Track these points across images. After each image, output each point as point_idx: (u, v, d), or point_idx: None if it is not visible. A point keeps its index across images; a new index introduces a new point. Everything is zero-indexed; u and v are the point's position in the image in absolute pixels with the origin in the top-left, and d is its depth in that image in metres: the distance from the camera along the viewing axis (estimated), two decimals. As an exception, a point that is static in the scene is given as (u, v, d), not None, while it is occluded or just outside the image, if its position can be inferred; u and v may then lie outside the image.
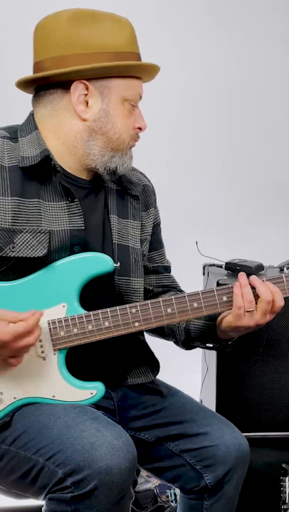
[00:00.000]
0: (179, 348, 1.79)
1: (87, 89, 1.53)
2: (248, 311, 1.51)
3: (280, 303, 1.52)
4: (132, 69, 1.55)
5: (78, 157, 1.58)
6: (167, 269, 1.84)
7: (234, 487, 1.61)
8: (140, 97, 1.60)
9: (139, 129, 1.61)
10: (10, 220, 1.49)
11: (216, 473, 1.58)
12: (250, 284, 1.52)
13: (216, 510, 1.61)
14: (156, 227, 1.80)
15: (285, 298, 1.55)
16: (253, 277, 1.53)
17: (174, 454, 1.63)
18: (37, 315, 1.41)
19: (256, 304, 1.51)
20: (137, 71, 1.57)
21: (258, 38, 3.05)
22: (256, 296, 1.51)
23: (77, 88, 1.52)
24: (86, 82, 1.52)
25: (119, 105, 1.55)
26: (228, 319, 1.56)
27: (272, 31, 3.05)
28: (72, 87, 1.52)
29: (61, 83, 1.53)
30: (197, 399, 2.59)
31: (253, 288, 1.52)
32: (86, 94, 1.53)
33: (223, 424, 1.65)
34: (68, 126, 1.56)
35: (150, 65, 1.58)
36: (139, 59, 1.57)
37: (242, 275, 1.54)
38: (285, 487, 2.11)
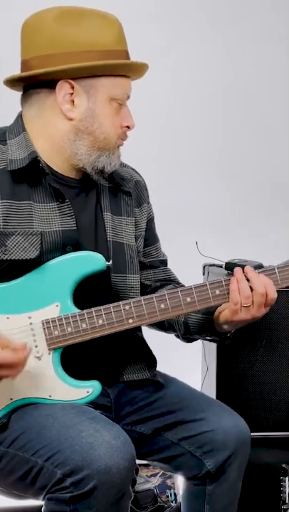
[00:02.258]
0: (178, 347, 1.80)
1: (72, 88, 1.52)
2: (244, 306, 1.51)
3: (273, 295, 1.52)
4: (119, 68, 1.54)
5: (66, 157, 1.57)
6: (164, 262, 1.84)
7: (236, 472, 1.61)
8: (128, 96, 1.59)
9: (127, 127, 1.59)
10: (1, 223, 1.49)
11: (217, 459, 1.57)
12: (245, 276, 1.52)
13: (218, 495, 1.61)
14: (150, 222, 1.80)
15: (280, 291, 1.55)
16: (248, 269, 1.53)
17: (173, 443, 1.62)
18: (27, 351, 1.40)
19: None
20: (125, 70, 1.56)
21: (252, 38, 3.04)
22: (251, 289, 1.51)
23: (63, 87, 1.52)
24: (72, 82, 1.51)
25: (106, 104, 1.54)
26: (224, 314, 1.56)
27: (267, 31, 3.04)
28: (58, 87, 1.52)
29: (47, 82, 1.52)
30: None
31: (248, 280, 1.52)
32: (72, 94, 1.52)
33: (221, 408, 1.64)
34: (55, 126, 1.55)
35: (138, 63, 1.57)
36: (127, 56, 1.56)
37: (238, 270, 1.53)
38: (285, 487, 2.11)
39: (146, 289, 1.76)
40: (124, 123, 1.58)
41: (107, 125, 1.55)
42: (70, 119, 1.54)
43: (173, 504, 2.25)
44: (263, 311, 1.53)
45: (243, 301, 1.51)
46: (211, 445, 1.58)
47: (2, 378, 1.40)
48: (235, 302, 1.51)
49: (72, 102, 1.53)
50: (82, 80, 1.52)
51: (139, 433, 1.64)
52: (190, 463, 1.61)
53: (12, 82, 1.57)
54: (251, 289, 1.51)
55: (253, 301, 1.51)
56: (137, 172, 1.81)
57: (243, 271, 1.53)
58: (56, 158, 1.57)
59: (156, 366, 1.75)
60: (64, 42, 1.49)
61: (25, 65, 1.55)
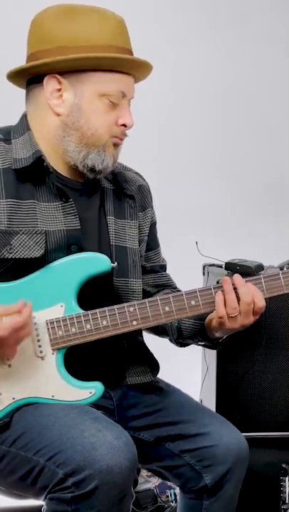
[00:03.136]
0: (178, 348, 1.80)
1: (60, 83, 1.51)
2: (231, 317, 1.52)
3: (260, 304, 1.52)
4: (107, 62, 1.50)
5: (60, 155, 1.56)
6: (163, 267, 1.84)
7: (233, 487, 1.61)
8: (124, 94, 1.54)
9: (124, 126, 1.56)
10: (6, 222, 1.49)
11: (215, 474, 1.57)
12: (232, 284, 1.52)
13: (215, 510, 1.61)
14: (153, 226, 1.80)
15: (283, 294, 1.55)
16: (236, 277, 1.53)
17: (174, 454, 1.62)
18: (29, 305, 1.41)
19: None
20: (116, 64, 1.52)
21: (252, 38, 3.05)
22: (238, 297, 1.51)
23: (49, 82, 1.51)
24: (58, 76, 1.50)
25: (95, 100, 1.51)
26: (213, 322, 1.57)
27: (267, 31, 3.05)
28: (44, 81, 1.51)
29: (39, 77, 1.52)
30: (197, 399, 2.59)
31: (235, 288, 1.52)
32: (60, 89, 1.52)
33: (223, 424, 1.64)
34: (47, 122, 1.55)
35: (125, 58, 1.52)
36: (124, 52, 1.52)
37: (227, 281, 1.53)
38: (285, 487, 2.11)
39: (144, 295, 1.75)
40: (120, 121, 1.55)
41: (95, 121, 1.53)
42: (58, 115, 1.53)
43: (173, 504, 2.25)
44: (251, 319, 1.54)
45: (229, 312, 1.51)
46: (211, 460, 1.58)
47: (20, 341, 1.42)
48: (220, 315, 1.52)
49: (61, 96, 1.52)
50: (70, 75, 1.51)
51: (140, 439, 1.63)
52: (189, 475, 1.61)
53: (15, 80, 1.58)
54: (238, 298, 1.51)
55: (239, 311, 1.52)
56: (140, 176, 1.80)
57: (232, 278, 1.53)
58: (54, 157, 1.56)
59: (158, 370, 1.75)
60: (54, 37, 1.49)
61: (26, 61, 1.55)
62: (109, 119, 1.54)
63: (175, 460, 1.62)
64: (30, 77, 1.56)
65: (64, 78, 1.51)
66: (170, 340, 1.77)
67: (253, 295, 1.52)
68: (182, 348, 1.81)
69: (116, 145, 1.58)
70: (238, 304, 1.51)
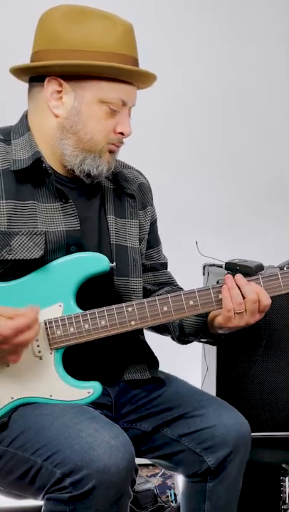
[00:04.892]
0: (178, 347, 1.80)
1: (60, 85, 1.51)
2: (237, 313, 1.52)
3: (266, 302, 1.53)
4: (111, 71, 1.50)
5: (58, 157, 1.56)
6: (164, 265, 1.85)
7: (237, 468, 1.60)
8: (124, 103, 1.54)
9: (122, 134, 1.56)
10: (6, 223, 1.49)
11: (217, 455, 1.57)
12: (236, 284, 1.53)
13: (219, 492, 1.60)
14: (153, 224, 1.81)
15: (282, 295, 1.55)
16: (238, 277, 1.54)
17: (173, 440, 1.62)
18: (36, 309, 1.41)
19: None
20: (120, 74, 1.51)
21: (252, 38, 3.05)
22: (243, 297, 1.52)
23: (50, 84, 1.51)
24: (59, 79, 1.51)
25: (94, 106, 1.51)
26: (218, 319, 1.57)
27: (268, 31, 3.05)
28: (46, 82, 1.52)
29: (41, 77, 1.52)
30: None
31: (239, 288, 1.53)
32: (60, 91, 1.52)
33: (221, 405, 1.64)
34: (46, 122, 1.55)
35: (130, 69, 1.51)
36: (131, 61, 1.52)
37: (228, 277, 1.54)
38: (285, 487, 2.11)
39: (145, 293, 1.76)
40: (118, 129, 1.55)
41: (92, 127, 1.53)
42: (57, 116, 1.53)
43: (173, 504, 2.25)
44: (257, 318, 1.54)
45: (236, 308, 1.52)
46: (211, 441, 1.57)
47: (25, 345, 1.41)
48: (228, 309, 1.52)
49: (61, 99, 1.52)
50: (71, 79, 1.51)
51: (139, 430, 1.64)
52: (190, 459, 1.61)
53: (18, 74, 1.58)
54: (243, 296, 1.52)
55: (245, 309, 1.52)
56: (141, 174, 1.80)
57: (234, 278, 1.54)
58: (52, 158, 1.57)
59: (158, 367, 1.75)
60: (60, 39, 1.49)
61: (31, 58, 1.55)
62: (108, 126, 1.54)
63: (175, 446, 1.62)
64: (32, 75, 1.56)
65: (65, 81, 1.51)
66: (172, 338, 1.77)
67: (258, 293, 1.52)
68: (182, 348, 1.81)
69: (112, 152, 1.58)
70: (244, 302, 1.52)
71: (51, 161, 1.57)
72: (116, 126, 1.55)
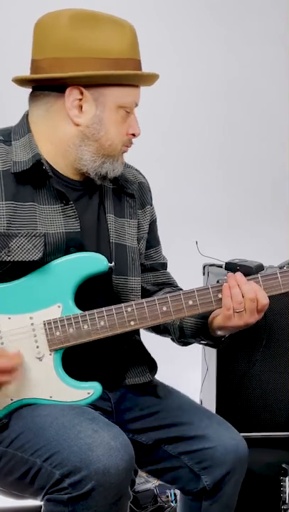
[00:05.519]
0: (178, 348, 1.79)
1: (81, 94, 1.51)
2: (237, 312, 1.52)
3: (264, 301, 1.52)
4: (130, 78, 1.52)
5: (70, 161, 1.56)
6: (164, 265, 1.84)
7: (232, 488, 1.61)
8: (136, 104, 1.58)
9: (133, 135, 1.58)
10: (5, 225, 1.49)
11: (214, 475, 1.57)
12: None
13: (214, 511, 1.60)
14: (153, 224, 1.80)
15: (281, 294, 1.55)
16: (238, 275, 1.54)
17: (172, 456, 1.62)
18: (20, 357, 1.45)
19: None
20: (135, 79, 1.54)
21: (254, 37, 3.05)
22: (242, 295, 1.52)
23: (72, 93, 1.50)
24: (82, 88, 1.50)
25: (114, 112, 1.53)
26: (218, 319, 1.56)
27: (271, 30, 3.05)
28: (67, 92, 1.50)
29: (57, 86, 1.51)
30: (197, 399, 2.59)
31: (238, 286, 1.52)
32: (81, 99, 1.51)
33: (221, 425, 1.64)
34: (61, 130, 1.54)
35: (149, 74, 1.55)
36: (139, 65, 1.54)
37: (231, 276, 1.54)
38: (285, 487, 2.11)
39: (145, 293, 1.75)
40: (130, 130, 1.57)
41: (113, 132, 1.54)
42: (77, 125, 1.53)
43: (173, 504, 2.25)
44: (256, 317, 1.53)
45: (236, 307, 1.51)
46: (210, 461, 1.57)
47: (1, 385, 1.44)
48: (227, 307, 1.51)
49: (80, 107, 1.52)
50: (92, 87, 1.50)
51: (138, 442, 1.63)
52: (187, 477, 1.61)
53: (21, 82, 1.56)
54: (242, 295, 1.52)
55: (245, 308, 1.52)
56: (140, 173, 1.80)
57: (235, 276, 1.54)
58: (61, 161, 1.56)
59: (156, 369, 1.75)
60: (76, 47, 1.48)
61: (35, 65, 1.53)
62: (123, 129, 1.56)
63: (173, 462, 1.62)
64: (47, 85, 1.54)
65: (86, 90, 1.51)
66: (172, 339, 1.77)
67: (256, 292, 1.52)
68: (182, 349, 1.81)
69: (123, 153, 1.61)
70: (243, 301, 1.51)
71: (56, 163, 1.56)
72: (128, 129, 1.57)
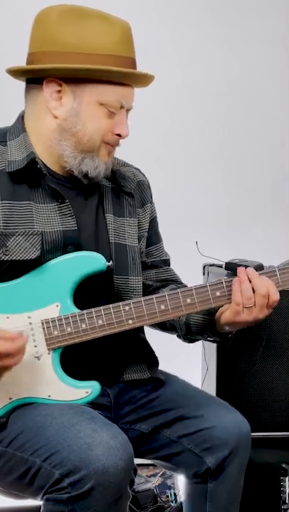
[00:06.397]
0: (178, 348, 1.79)
1: (60, 86, 1.51)
2: (246, 307, 1.51)
3: (275, 297, 1.51)
4: (112, 75, 1.50)
5: (56, 158, 1.57)
6: (166, 262, 1.84)
7: (237, 470, 1.60)
8: (122, 105, 1.54)
9: (119, 135, 1.56)
10: (2, 224, 1.49)
11: (217, 456, 1.57)
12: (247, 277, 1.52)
13: (220, 493, 1.60)
14: (153, 221, 1.80)
15: (281, 292, 1.54)
16: (250, 270, 1.53)
17: (172, 441, 1.62)
18: (24, 338, 1.41)
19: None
20: (122, 77, 1.52)
21: (254, 37, 3.04)
22: (253, 290, 1.51)
23: (50, 85, 1.51)
24: (59, 80, 1.50)
25: (93, 107, 1.51)
26: (226, 315, 1.55)
27: (271, 30, 3.05)
28: (45, 83, 1.51)
29: (40, 79, 1.52)
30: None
31: (250, 281, 1.51)
32: (59, 91, 1.51)
33: (221, 405, 1.64)
34: (44, 123, 1.55)
35: (135, 73, 1.52)
36: (129, 63, 1.52)
37: (241, 271, 1.53)
38: (285, 487, 2.11)
39: (147, 289, 1.76)
40: (115, 130, 1.55)
41: (91, 127, 1.53)
42: (55, 117, 1.53)
43: (173, 504, 2.25)
44: (265, 313, 1.52)
45: (245, 302, 1.50)
46: (210, 442, 1.57)
47: (4, 369, 1.42)
48: (237, 303, 1.50)
49: (61, 99, 1.52)
50: (73, 81, 1.50)
51: (138, 431, 1.64)
52: (189, 460, 1.61)
53: (15, 75, 1.57)
54: (253, 290, 1.51)
55: (255, 303, 1.50)
56: (140, 172, 1.80)
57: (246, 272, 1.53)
58: (49, 159, 1.57)
59: (157, 366, 1.75)
60: (58, 41, 1.48)
61: (28, 58, 1.55)
62: (105, 126, 1.54)
63: (174, 447, 1.62)
64: (30, 77, 1.56)
65: (64, 82, 1.51)
66: (178, 336, 1.76)
67: (268, 288, 1.51)
68: (182, 349, 1.81)
69: (109, 153, 1.59)
70: (254, 296, 1.50)
71: (48, 161, 1.57)
72: (114, 128, 1.55)
